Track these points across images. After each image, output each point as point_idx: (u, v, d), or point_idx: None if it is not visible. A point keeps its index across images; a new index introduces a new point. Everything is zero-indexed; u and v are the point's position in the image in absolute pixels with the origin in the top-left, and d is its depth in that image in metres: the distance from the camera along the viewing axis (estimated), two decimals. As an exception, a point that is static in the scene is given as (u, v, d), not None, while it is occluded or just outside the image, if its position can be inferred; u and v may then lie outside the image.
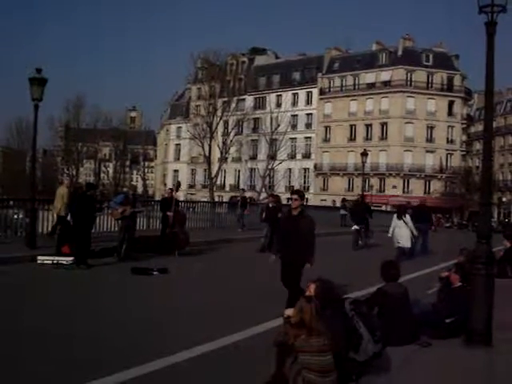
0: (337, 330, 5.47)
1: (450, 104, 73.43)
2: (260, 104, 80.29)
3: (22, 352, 6.49)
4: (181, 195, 46.49)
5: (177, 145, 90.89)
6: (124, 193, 17.07)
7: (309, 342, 5.03)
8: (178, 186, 19.80)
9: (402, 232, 17.77)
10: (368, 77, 74.91)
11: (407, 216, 18.29)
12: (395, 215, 18.70)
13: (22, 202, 19.73)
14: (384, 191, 71.15)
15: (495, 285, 7.62)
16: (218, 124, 69.88)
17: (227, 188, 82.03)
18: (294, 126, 77.01)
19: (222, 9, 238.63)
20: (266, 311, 8.68)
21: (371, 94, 74.13)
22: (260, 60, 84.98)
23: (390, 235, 18.39)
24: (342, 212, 35.76)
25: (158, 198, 69.18)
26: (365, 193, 45.19)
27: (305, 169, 77.99)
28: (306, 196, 70.56)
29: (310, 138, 78.42)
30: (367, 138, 73.46)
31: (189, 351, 6.70)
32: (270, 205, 20.33)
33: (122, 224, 15.54)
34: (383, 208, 57.68)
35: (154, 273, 12.89)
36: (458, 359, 6.93)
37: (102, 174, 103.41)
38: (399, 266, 7.96)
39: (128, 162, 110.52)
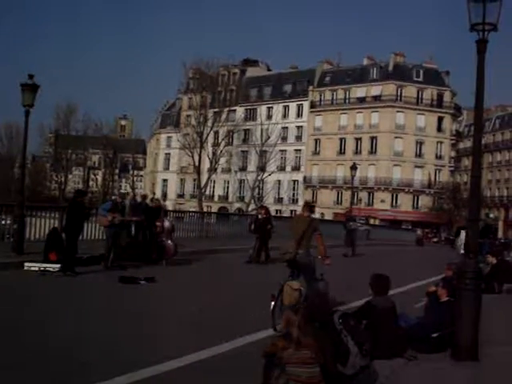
0: (324, 343, 5.47)
1: (440, 120, 73.87)
2: (251, 115, 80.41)
3: None
4: (169, 204, 46.42)
5: (166, 154, 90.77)
6: (112, 200, 17.06)
7: (296, 353, 5.03)
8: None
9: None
10: (359, 91, 75.29)
11: None
12: (462, 229, 22.53)
13: (10, 207, 19.60)
14: (372, 205, 71.35)
15: (482, 300, 7.66)
16: (208, 134, 69.93)
17: (216, 198, 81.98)
18: (284, 138, 77.17)
19: (215, 19, 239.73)
20: (253, 321, 8.67)
21: (361, 108, 74.47)
22: (252, 72, 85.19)
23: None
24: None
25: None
26: (353, 206, 45.24)
27: (294, 181, 78.09)
28: (295, 208, 69.93)
29: (299, 150, 78.57)
30: (356, 152, 73.68)
31: (176, 361, 6.67)
32: (259, 216, 20.37)
33: (110, 232, 15.48)
34: (372, 222, 57.73)
35: (142, 282, 12.84)
36: (443, 374, 6.95)
37: (90, 182, 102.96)
38: (389, 279, 7.97)
39: (117, 171, 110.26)
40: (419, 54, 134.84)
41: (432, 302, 8.99)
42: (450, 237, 62.49)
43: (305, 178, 77.22)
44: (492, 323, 8.66)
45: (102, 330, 8.22)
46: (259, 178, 71.12)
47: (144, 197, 21.33)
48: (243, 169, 79.27)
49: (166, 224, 17.71)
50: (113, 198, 17.87)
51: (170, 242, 17.22)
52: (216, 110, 71.67)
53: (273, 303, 8.42)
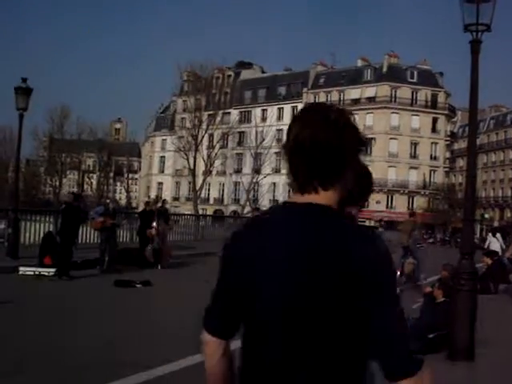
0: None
1: (434, 121, 73.99)
2: (245, 118, 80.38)
3: None
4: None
5: (161, 157, 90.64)
6: (103, 204, 17.16)
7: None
8: (157, 200, 19.98)
9: (494, 246, 21.38)
10: (353, 92, 75.35)
11: (498, 234, 22.45)
12: (490, 233, 24.08)
13: (5, 211, 19.55)
14: (368, 206, 71.32)
15: (478, 301, 7.66)
16: (203, 137, 69.80)
17: (211, 201, 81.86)
18: (278, 141, 76.87)
19: (210, 22, 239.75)
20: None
21: (356, 109, 74.21)
22: (246, 74, 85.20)
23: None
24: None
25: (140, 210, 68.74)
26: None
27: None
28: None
29: (294, 152, 78.50)
30: (351, 154, 73.65)
31: (172, 364, 6.64)
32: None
33: (103, 235, 15.51)
34: (367, 223, 57.76)
35: (137, 285, 12.82)
36: (440, 374, 6.92)
37: (85, 186, 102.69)
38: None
39: (112, 174, 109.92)
40: (413, 55, 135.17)
41: (428, 302, 8.98)
42: (445, 238, 62.61)
43: (300, 180, 77.15)
44: (488, 324, 8.67)
45: (98, 333, 8.19)
46: (254, 180, 71.02)
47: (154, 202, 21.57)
48: (238, 171, 79.21)
49: (161, 228, 17.73)
50: (107, 201, 17.82)
51: (163, 245, 17.26)
52: (210, 112, 71.60)
53: (398, 272, 12.53)
